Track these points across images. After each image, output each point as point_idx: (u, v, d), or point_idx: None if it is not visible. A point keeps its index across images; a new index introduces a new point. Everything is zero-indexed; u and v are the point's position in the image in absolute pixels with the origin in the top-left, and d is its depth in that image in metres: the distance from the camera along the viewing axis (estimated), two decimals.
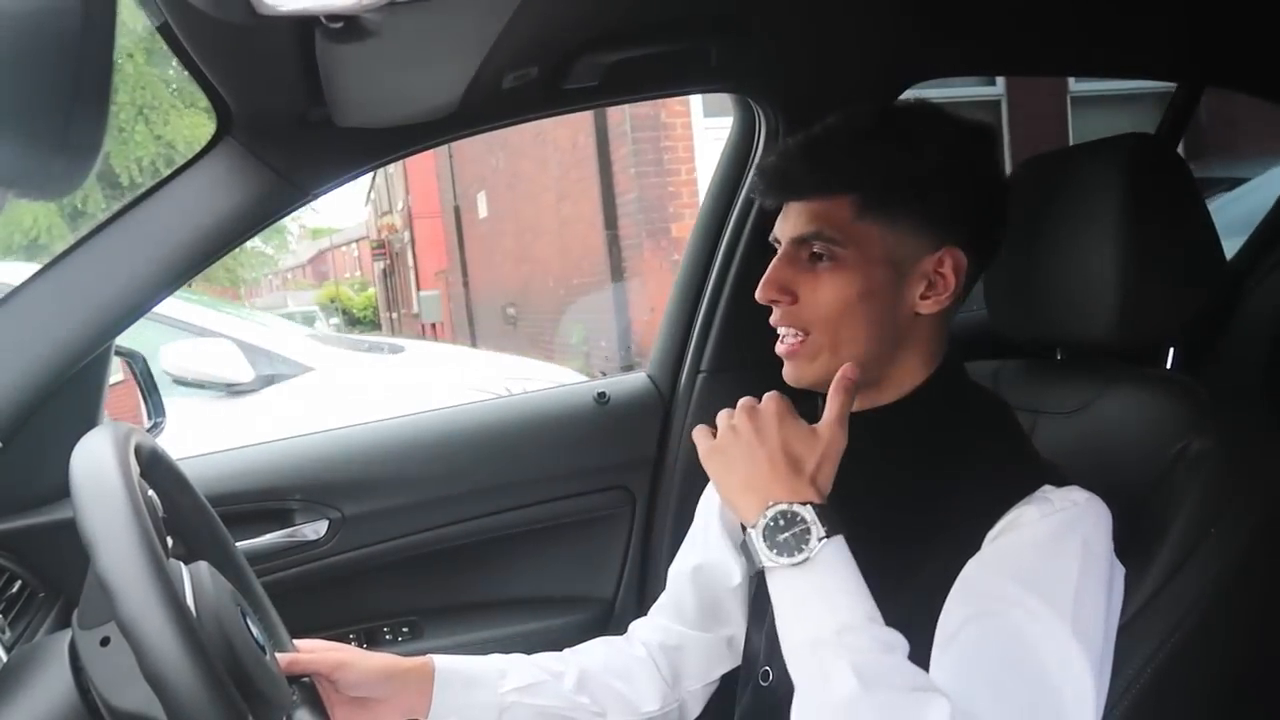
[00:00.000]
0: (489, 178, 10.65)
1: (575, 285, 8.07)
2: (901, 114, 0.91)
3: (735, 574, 1.04)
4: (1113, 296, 0.93)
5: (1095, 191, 0.95)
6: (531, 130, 8.53)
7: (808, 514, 0.75)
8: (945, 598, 0.78)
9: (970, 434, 0.87)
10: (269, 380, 3.17)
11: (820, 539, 0.74)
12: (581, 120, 7.11)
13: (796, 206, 0.87)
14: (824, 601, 0.74)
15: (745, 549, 0.78)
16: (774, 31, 1.27)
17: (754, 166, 1.41)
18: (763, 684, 0.94)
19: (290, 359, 3.29)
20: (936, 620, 0.78)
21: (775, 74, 1.35)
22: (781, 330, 0.88)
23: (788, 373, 0.88)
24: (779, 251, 0.88)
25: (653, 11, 1.17)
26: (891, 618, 0.82)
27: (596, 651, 1.05)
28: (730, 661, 1.07)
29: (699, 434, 0.84)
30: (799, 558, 0.74)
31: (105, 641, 0.71)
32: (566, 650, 1.05)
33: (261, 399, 3.12)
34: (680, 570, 1.08)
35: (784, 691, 0.91)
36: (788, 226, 0.87)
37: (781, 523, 0.75)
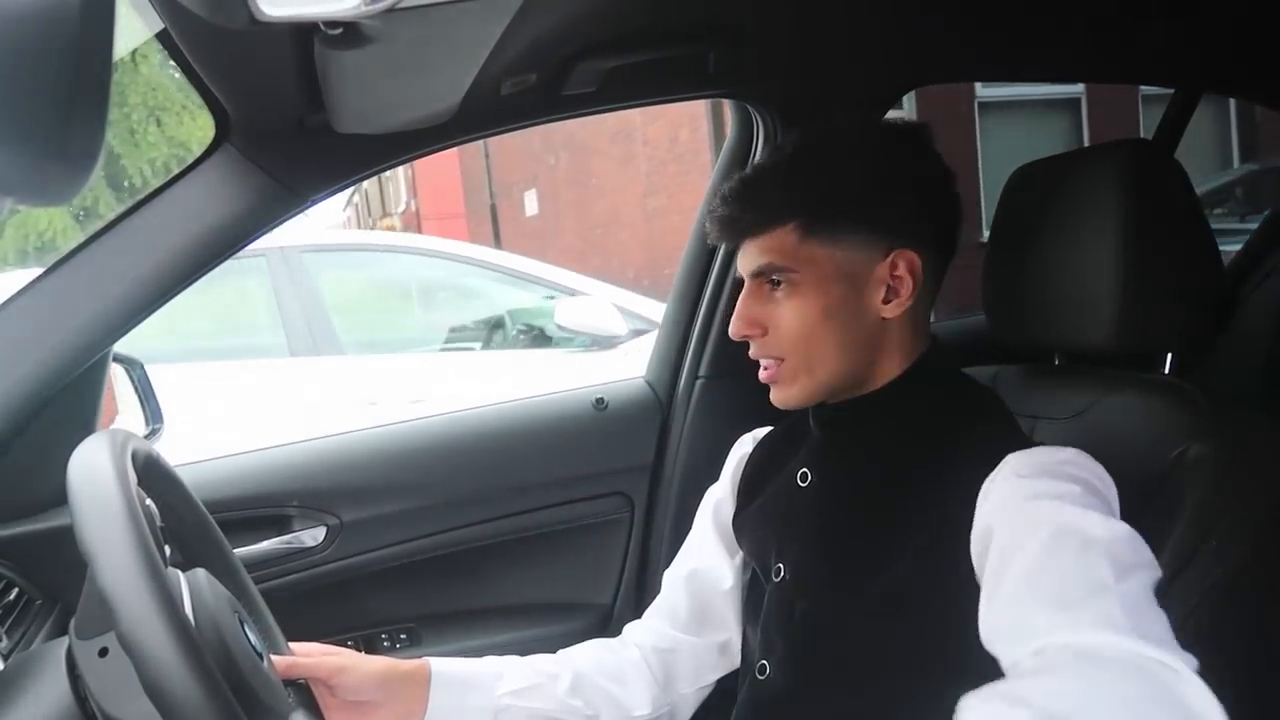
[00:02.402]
0: (542, 175, 10.75)
1: (666, 275, 8.19)
2: (824, 137, 0.93)
3: (727, 578, 1.05)
4: (1111, 302, 0.93)
5: (1093, 197, 0.95)
6: (610, 128, 8.79)
7: None
8: (935, 566, 0.80)
9: (955, 415, 0.89)
10: (635, 334, 3.41)
11: None
12: (682, 117, 7.32)
13: (749, 244, 0.91)
14: None
15: None
16: (771, 38, 1.27)
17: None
18: (759, 678, 0.95)
19: (643, 315, 3.54)
20: (929, 592, 0.79)
21: (773, 80, 1.35)
22: (761, 360, 0.92)
23: (774, 397, 0.92)
24: (744, 288, 0.92)
25: (651, 18, 1.17)
26: (881, 592, 0.84)
27: (590, 654, 1.06)
28: (724, 667, 1.07)
29: None
30: None
31: (104, 652, 0.71)
32: (561, 651, 1.06)
33: (623, 351, 3.34)
34: (675, 574, 1.09)
35: (780, 685, 0.91)
36: (745, 263, 0.92)
37: None
